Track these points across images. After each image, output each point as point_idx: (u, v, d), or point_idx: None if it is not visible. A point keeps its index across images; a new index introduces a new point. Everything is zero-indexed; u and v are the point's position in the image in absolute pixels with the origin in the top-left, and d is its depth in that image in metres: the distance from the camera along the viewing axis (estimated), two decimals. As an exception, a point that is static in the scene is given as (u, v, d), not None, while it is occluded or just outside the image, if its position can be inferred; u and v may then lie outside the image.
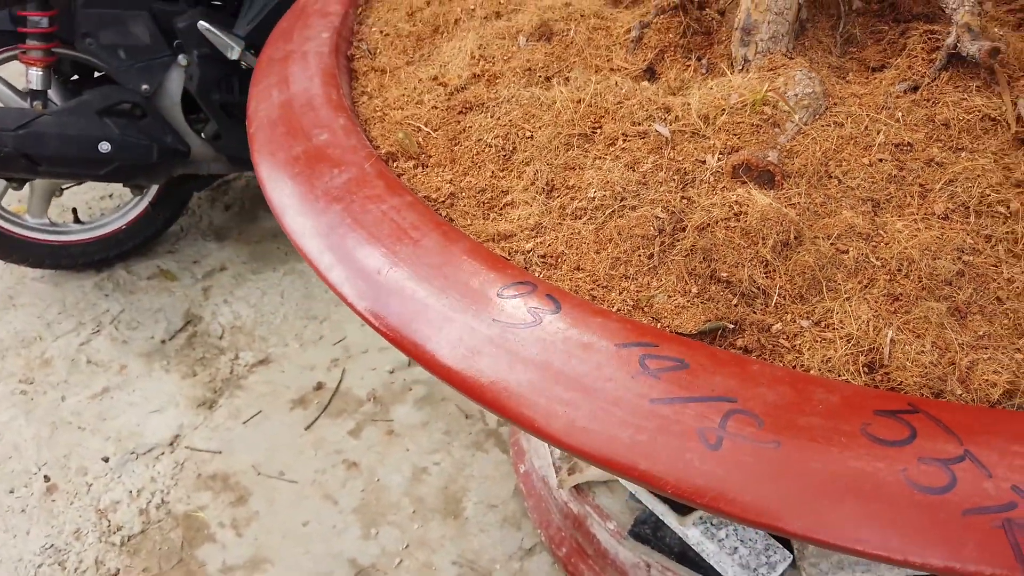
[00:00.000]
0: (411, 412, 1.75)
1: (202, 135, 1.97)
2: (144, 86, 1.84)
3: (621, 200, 0.77)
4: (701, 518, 1.23)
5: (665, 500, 1.25)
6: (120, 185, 2.25)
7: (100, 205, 2.35)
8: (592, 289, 0.73)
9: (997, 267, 0.69)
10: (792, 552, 1.18)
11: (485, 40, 1.00)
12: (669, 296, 0.71)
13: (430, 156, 0.90)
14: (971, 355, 0.65)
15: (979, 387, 0.63)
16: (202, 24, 1.76)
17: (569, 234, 0.77)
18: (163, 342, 1.93)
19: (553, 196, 0.81)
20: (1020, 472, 0.55)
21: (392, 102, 0.99)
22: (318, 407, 1.77)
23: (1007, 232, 0.70)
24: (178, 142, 1.88)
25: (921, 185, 0.75)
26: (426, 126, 0.93)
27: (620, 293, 0.72)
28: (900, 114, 0.79)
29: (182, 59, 1.86)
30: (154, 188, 2.06)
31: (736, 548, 1.18)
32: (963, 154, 0.75)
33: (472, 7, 1.10)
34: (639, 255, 0.74)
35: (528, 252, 0.77)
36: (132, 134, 1.80)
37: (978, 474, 0.56)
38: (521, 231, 0.79)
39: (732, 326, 0.69)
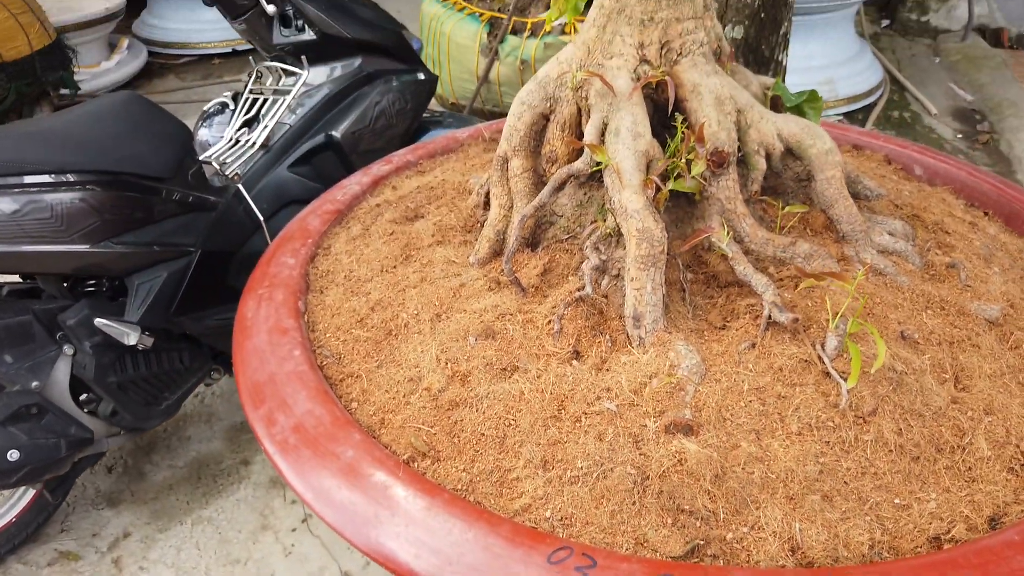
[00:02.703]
0: (363, 630, 1.92)
1: (94, 414, 2.04)
2: (35, 383, 1.91)
3: (600, 465, 1.11)
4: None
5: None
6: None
7: (-37, 498, 2.26)
8: (603, 537, 1.05)
9: (838, 461, 1.11)
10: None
11: (443, 344, 1.31)
12: (656, 530, 1.05)
13: (439, 451, 1.18)
14: (844, 526, 1.05)
15: (855, 547, 1.03)
16: (100, 320, 1.89)
17: (571, 498, 1.09)
18: (89, 629, 1.93)
19: (548, 469, 1.13)
20: (899, 603, 0.94)
21: (383, 407, 1.26)
22: (272, 651, 1.88)
23: (838, 438, 1.13)
24: (81, 430, 1.94)
25: (779, 414, 1.16)
26: (424, 425, 1.21)
27: (623, 535, 1.05)
28: (751, 365, 1.21)
29: (67, 349, 1.96)
30: (45, 473, 2.07)
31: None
32: (797, 387, 1.18)
33: (415, 312, 1.41)
34: (626, 504, 1.07)
35: (548, 518, 1.07)
36: (39, 435, 1.86)
37: (879, 610, 0.94)
38: (535, 502, 1.09)
39: (702, 542, 1.04)
